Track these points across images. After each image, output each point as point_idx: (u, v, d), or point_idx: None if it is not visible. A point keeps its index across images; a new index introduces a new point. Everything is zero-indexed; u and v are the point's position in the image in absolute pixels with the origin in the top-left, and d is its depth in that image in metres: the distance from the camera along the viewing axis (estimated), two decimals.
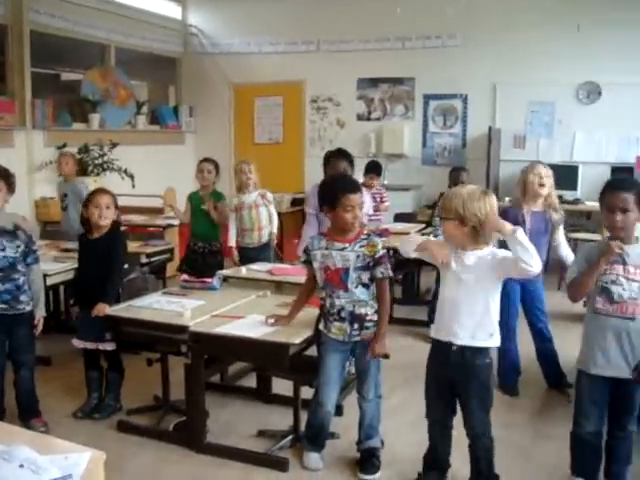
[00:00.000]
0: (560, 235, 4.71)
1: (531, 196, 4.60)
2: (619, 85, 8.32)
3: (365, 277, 3.45)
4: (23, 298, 4.01)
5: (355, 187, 3.55)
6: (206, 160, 6.04)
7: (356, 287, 3.44)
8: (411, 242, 3.35)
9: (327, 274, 3.50)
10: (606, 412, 3.26)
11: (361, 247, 3.45)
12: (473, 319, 3.12)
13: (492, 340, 3.17)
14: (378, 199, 7.02)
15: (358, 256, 3.43)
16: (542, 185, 4.56)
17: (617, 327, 3.13)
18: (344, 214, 3.45)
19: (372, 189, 6.93)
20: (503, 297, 4.54)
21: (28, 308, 4.05)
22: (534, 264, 2.95)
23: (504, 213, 4.62)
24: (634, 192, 3.10)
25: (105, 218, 4.25)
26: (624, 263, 3.12)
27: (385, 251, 3.50)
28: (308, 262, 3.61)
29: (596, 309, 3.17)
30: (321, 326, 3.59)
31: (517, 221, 4.45)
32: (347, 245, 3.47)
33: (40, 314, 4.13)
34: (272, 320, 3.64)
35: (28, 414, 4.10)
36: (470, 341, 3.13)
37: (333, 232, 3.54)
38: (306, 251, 3.62)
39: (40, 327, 4.11)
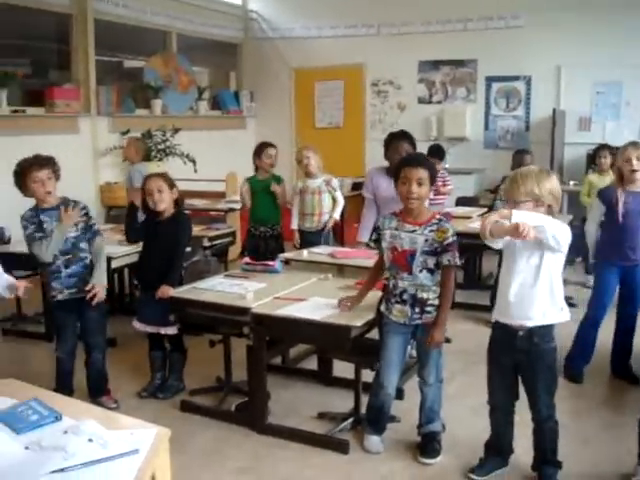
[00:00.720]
0: None
1: (627, 179, 4.36)
2: None
3: (431, 262, 3.41)
4: (55, 285, 4.08)
5: (414, 161, 3.51)
6: (271, 145, 6.01)
7: (420, 271, 3.41)
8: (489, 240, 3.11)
9: (394, 255, 3.47)
10: None
11: (431, 231, 3.40)
12: (545, 297, 3.07)
13: (563, 313, 3.12)
14: (440, 183, 6.95)
15: (427, 240, 3.39)
16: (634, 171, 4.29)
17: None
18: (401, 187, 3.44)
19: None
20: (599, 284, 4.54)
21: (61, 296, 4.09)
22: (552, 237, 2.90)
23: (601, 193, 4.54)
24: None
25: (160, 202, 4.24)
26: None
27: (455, 238, 3.42)
28: (377, 241, 3.59)
29: None
30: (382, 307, 3.58)
31: (610, 198, 4.39)
32: (417, 228, 3.43)
33: (97, 282, 4.07)
34: (340, 304, 3.61)
35: (98, 392, 4.22)
36: (542, 319, 3.08)
37: (405, 213, 3.50)
38: (377, 230, 3.60)
39: (100, 295, 4.06)
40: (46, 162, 4.00)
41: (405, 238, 3.43)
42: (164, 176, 4.39)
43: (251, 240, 6.00)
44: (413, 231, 3.43)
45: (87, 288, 4.04)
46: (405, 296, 3.46)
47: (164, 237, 4.28)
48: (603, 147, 7.05)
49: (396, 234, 3.47)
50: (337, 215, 5.93)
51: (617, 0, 8.16)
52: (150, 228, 4.36)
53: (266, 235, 5.92)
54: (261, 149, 5.97)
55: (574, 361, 4.65)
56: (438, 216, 3.49)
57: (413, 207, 3.44)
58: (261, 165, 5.95)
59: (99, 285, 4.08)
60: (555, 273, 3.08)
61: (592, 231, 4.59)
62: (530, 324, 3.10)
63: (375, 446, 3.68)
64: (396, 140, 5.15)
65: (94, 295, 4.03)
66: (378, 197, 5.11)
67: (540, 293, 3.06)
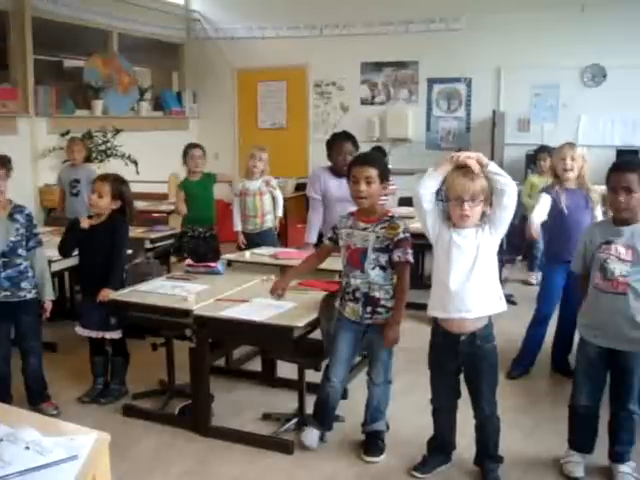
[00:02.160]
0: (597, 213, 4.55)
1: (561, 178, 4.54)
2: (624, 67, 8.27)
3: (383, 259, 3.45)
4: (25, 285, 4.01)
5: (362, 160, 3.57)
6: (196, 146, 6.05)
7: (372, 269, 3.44)
8: (431, 176, 3.18)
9: (348, 253, 3.52)
10: (602, 388, 3.33)
11: (382, 228, 3.45)
12: (484, 288, 3.13)
13: (502, 303, 3.19)
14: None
15: (378, 237, 3.44)
16: (567, 170, 4.49)
17: (611, 302, 3.19)
18: (351, 186, 3.50)
19: None
20: (547, 283, 4.68)
21: (30, 295, 4.04)
22: (510, 182, 3.05)
23: (542, 190, 4.68)
24: (638, 172, 3.10)
25: (95, 206, 4.24)
26: (618, 244, 3.17)
27: (406, 235, 3.45)
28: (333, 240, 3.63)
29: (595, 284, 3.25)
30: (337, 304, 3.62)
31: (553, 196, 4.51)
32: (369, 225, 3.48)
33: (48, 298, 4.12)
34: (279, 293, 3.66)
35: (38, 399, 4.14)
36: (482, 310, 3.14)
37: (359, 212, 3.55)
38: (334, 229, 3.64)
39: (48, 311, 4.12)
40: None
41: (358, 236, 3.48)
42: (114, 185, 4.27)
43: (188, 241, 5.96)
44: (365, 229, 3.48)
45: (45, 307, 4.09)
46: (357, 294, 3.49)
47: (102, 240, 4.22)
48: (543, 149, 7.21)
49: (350, 232, 3.52)
50: (280, 213, 5.95)
51: (553, 2, 8.34)
52: (87, 231, 4.28)
53: (203, 235, 5.90)
54: (186, 151, 5.98)
55: (522, 360, 4.77)
56: (391, 213, 3.55)
57: (364, 206, 3.49)
58: (188, 167, 5.96)
59: (49, 300, 4.11)
60: (491, 262, 3.14)
61: (537, 222, 4.61)
62: (469, 316, 3.13)
63: (309, 439, 3.67)
64: (339, 140, 5.17)
65: (45, 310, 4.09)
66: (328, 197, 5.10)
67: (478, 282, 3.11)
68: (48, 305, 4.11)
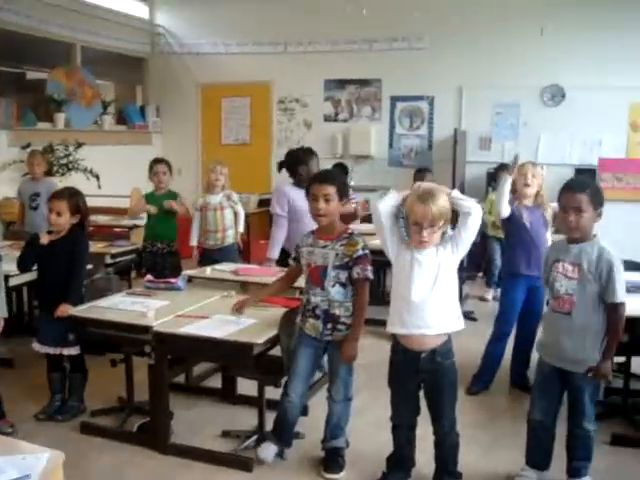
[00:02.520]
0: (548, 232, 4.73)
1: (520, 195, 4.65)
2: (582, 88, 8.44)
3: (343, 277, 3.46)
4: None
5: (322, 178, 3.58)
6: (160, 161, 6.03)
7: (332, 286, 3.46)
8: (391, 196, 3.25)
9: (309, 270, 3.54)
10: (557, 405, 3.38)
11: (341, 246, 3.47)
12: (443, 305, 3.16)
13: (460, 321, 3.21)
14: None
15: (337, 254, 3.46)
16: (527, 185, 4.61)
17: (557, 321, 3.27)
18: (310, 203, 3.52)
19: None
20: (506, 300, 4.76)
21: None
22: (474, 205, 3.11)
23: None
24: (588, 192, 3.17)
25: (56, 225, 4.20)
26: (565, 261, 3.24)
27: (365, 252, 3.47)
28: (297, 260, 3.65)
29: (547, 302, 3.38)
30: (298, 320, 3.63)
31: (514, 211, 4.60)
32: (329, 243, 3.50)
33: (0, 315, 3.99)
34: (237, 308, 3.70)
35: None
36: (441, 327, 3.17)
37: (319, 230, 3.57)
38: (296, 248, 3.66)
39: (0, 329, 3.96)
40: None
41: (318, 254, 3.50)
42: (70, 200, 4.25)
43: (147, 256, 5.94)
44: (325, 246, 3.49)
45: None
46: (318, 311, 3.51)
47: (61, 255, 4.19)
48: (502, 167, 7.31)
49: (311, 250, 3.54)
50: (242, 229, 5.94)
51: (514, 24, 8.51)
52: (47, 246, 4.25)
53: (163, 252, 5.89)
54: (151, 166, 5.97)
55: (481, 376, 4.83)
56: (350, 231, 3.56)
57: (322, 223, 3.51)
58: (152, 181, 5.95)
59: (1, 317, 3.95)
60: (451, 280, 3.18)
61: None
62: (429, 332, 3.16)
63: (265, 453, 3.65)
64: (310, 155, 5.27)
65: None
66: (296, 210, 5.11)
67: (439, 299, 3.15)
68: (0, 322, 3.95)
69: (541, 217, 4.65)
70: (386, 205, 3.23)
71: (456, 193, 3.14)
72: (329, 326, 3.50)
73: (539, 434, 3.41)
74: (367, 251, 3.49)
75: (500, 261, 6.84)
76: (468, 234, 3.14)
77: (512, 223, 4.63)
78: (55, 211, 4.19)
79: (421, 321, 3.17)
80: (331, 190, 3.48)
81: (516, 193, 4.65)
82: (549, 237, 4.72)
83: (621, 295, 3.16)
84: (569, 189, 3.24)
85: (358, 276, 3.44)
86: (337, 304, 3.48)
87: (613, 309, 3.19)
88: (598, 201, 3.20)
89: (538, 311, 4.66)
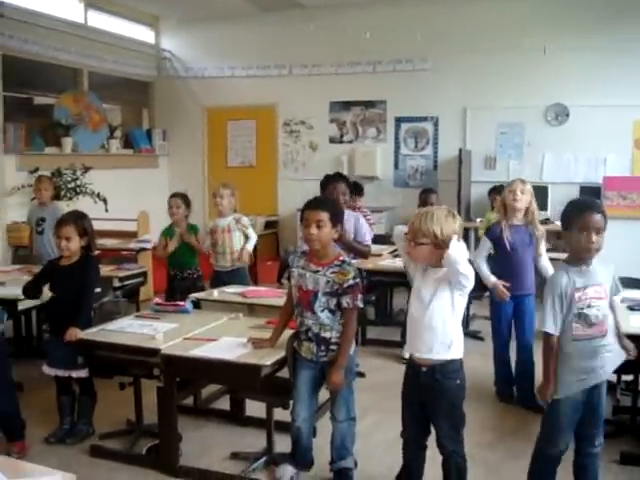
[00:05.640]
0: (542, 248, 4.85)
1: (509, 211, 4.79)
2: (586, 107, 8.46)
3: (332, 303, 3.48)
4: None
5: (313, 204, 3.57)
6: (174, 196, 6.06)
7: (322, 311, 3.48)
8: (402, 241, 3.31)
9: (300, 294, 3.55)
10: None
11: (332, 273, 3.47)
12: (432, 333, 3.16)
13: (451, 352, 3.18)
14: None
15: (328, 282, 3.47)
16: (515, 200, 4.73)
17: (597, 346, 3.17)
18: (303, 229, 3.53)
19: (357, 210, 7.06)
20: (495, 316, 4.91)
21: None
22: (465, 279, 3.05)
23: (488, 230, 4.96)
24: (603, 213, 3.16)
25: (66, 250, 4.24)
26: (593, 285, 3.16)
27: (356, 281, 3.48)
28: (289, 278, 3.68)
29: (575, 337, 3.16)
30: (295, 344, 3.63)
31: (497, 234, 4.77)
32: (320, 269, 3.50)
33: None
34: (253, 343, 3.66)
35: (10, 436, 4.10)
36: (429, 354, 3.17)
37: (311, 254, 3.57)
38: (288, 268, 3.69)
39: None
40: None
41: (310, 278, 3.51)
42: (76, 223, 4.30)
43: (173, 283, 5.99)
44: (317, 272, 3.50)
45: None
46: (310, 334, 3.53)
47: (72, 280, 4.23)
48: (495, 189, 7.46)
49: (302, 273, 3.54)
50: (250, 247, 5.90)
51: (517, 44, 8.54)
52: (59, 271, 4.30)
53: (188, 277, 5.95)
54: (168, 200, 6.04)
55: (500, 388, 5.00)
56: (342, 258, 3.57)
57: (314, 247, 3.51)
58: (169, 215, 6.00)
59: None
60: (447, 311, 3.15)
61: (480, 264, 4.82)
62: (418, 355, 3.20)
63: (281, 473, 3.70)
64: (332, 181, 5.29)
65: None
66: None
67: (427, 326, 3.15)
68: None
69: (527, 236, 4.77)
70: (401, 232, 3.31)
71: (453, 254, 3.00)
72: (322, 347, 3.52)
73: (553, 468, 3.35)
74: (358, 280, 3.50)
75: None
76: (462, 288, 3.13)
77: (495, 244, 4.84)
78: (64, 237, 4.22)
79: (413, 342, 3.24)
80: (324, 216, 3.48)
81: (505, 210, 4.81)
82: (543, 255, 4.83)
83: None
84: (590, 210, 3.14)
85: (347, 306, 3.46)
86: (328, 327, 3.50)
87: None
88: (606, 220, 3.19)
89: (526, 327, 4.84)
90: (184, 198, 6.02)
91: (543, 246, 4.87)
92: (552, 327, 3.16)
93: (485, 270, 4.82)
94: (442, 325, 3.15)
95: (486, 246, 4.89)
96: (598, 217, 3.12)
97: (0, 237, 7.77)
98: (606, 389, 3.29)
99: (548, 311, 3.17)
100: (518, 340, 4.90)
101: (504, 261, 4.80)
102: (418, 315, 3.18)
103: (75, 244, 4.25)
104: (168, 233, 5.99)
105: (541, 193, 8.36)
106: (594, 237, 3.10)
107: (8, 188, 7.85)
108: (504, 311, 4.88)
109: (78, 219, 4.36)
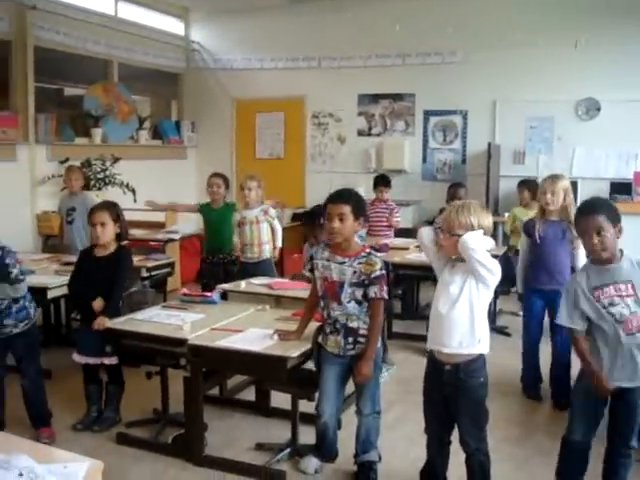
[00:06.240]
0: (577, 243, 4.58)
1: (544, 209, 4.73)
2: (618, 101, 8.35)
3: (359, 294, 3.47)
4: (8, 322, 3.97)
5: (335, 197, 3.55)
6: (215, 175, 6.19)
7: (349, 302, 3.48)
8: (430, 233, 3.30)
9: (325, 285, 3.55)
10: (595, 427, 3.28)
11: (359, 264, 3.47)
12: (461, 328, 3.14)
13: (479, 346, 3.16)
14: (388, 213, 7.10)
15: (355, 272, 3.46)
16: (548, 204, 4.66)
17: (628, 344, 3.13)
18: (325, 222, 3.52)
19: (382, 203, 7.08)
20: (526, 311, 4.86)
21: (17, 329, 4.01)
22: (489, 275, 3.04)
23: (524, 226, 4.93)
24: (604, 212, 3.13)
25: (102, 236, 4.28)
26: (614, 283, 3.14)
27: (383, 272, 3.49)
28: (312, 270, 3.66)
29: (604, 334, 3.16)
30: (320, 339, 3.63)
31: (529, 229, 4.76)
32: (347, 260, 3.50)
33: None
34: (279, 335, 3.66)
35: (37, 423, 4.17)
36: (457, 348, 3.15)
37: (336, 246, 3.56)
38: (311, 259, 3.67)
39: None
40: None
41: (335, 269, 3.50)
42: (109, 209, 4.38)
43: (208, 268, 6.10)
44: (342, 263, 3.50)
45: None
46: (337, 325, 3.52)
47: (106, 271, 4.27)
48: (521, 183, 7.33)
49: (327, 265, 3.54)
50: (279, 243, 5.98)
51: (548, 37, 8.46)
52: (92, 260, 4.35)
53: (223, 261, 6.03)
54: (208, 179, 6.16)
55: (527, 384, 4.93)
56: (368, 250, 3.57)
57: (336, 241, 3.50)
58: (208, 194, 6.12)
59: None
60: (477, 305, 3.13)
61: (521, 265, 4.82)
62: (444, 351, 3.17)
63: (304, 464, 3.75)
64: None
65: None
66: None
67: (456, 322, 3.13)
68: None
69: (560, 231, 4.67)
70: (427, 229, 3.31)
71: (479, 253, 3.01)
72: (350, 340, 3.51)
73: (571, 456, 3.36)
74: (384, 272, 3.51)
75: None
76: (484, 281, 3.11)
77: (528, 239, 4.80)
78: (98, 223, 4.27)
79: (438, 338, 3.20)
80: (346, 209, 3.47)
81: (542, 210, 4.74)
82: (580, 252, 4.68)
83: None
84: (584, 213, 3.19)
85: (375, 296, 3.45)
86: (354, 317, 3.49)
87: None
88: (616, 218, 3.15)
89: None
90: (224, 179, 6.17)
91: (579, 241, 4.71)
92: (565, 320, 3.23)
93: (520, 271, 4.85)
94: (471, 320, 3.13)
95: (527, 243, 4.83)
96: (595, 218, 3.11)
97: (31, 226, 7.86)
98: None
99: (561, 305, 3.26)
100: (554, 339, 4.74)
101: (533, 255, 4.77)
102: (445, 310, 3.15)
103: (110, 230, 4.30)
104: (206, 211, 6.18)
105: (571, 188, 8.28)
106: (595, 239, 3.11)
107: (39, 178, 7.94)
108: (535, 307, 4.80)
109: (111, 206, 4.45)
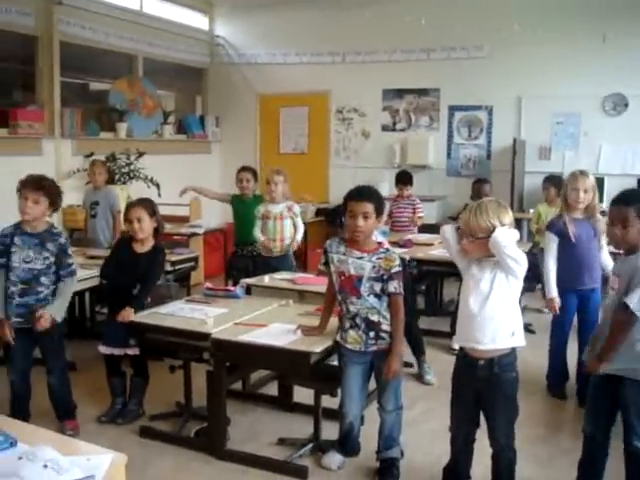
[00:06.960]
0: (603, 241, 4.62)
1: (571, 205, 4.62)
2: None
3: (377, 288, 3.46)
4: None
5: (359, 195, 3.51)
6: (244, 169, 6.27)
7: (368, 295, 3.47)
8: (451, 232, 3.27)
9: (341, 280, 3.53)
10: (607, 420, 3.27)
11: (378, 259, 3.46)
12: (494, 322, 3.11)
13: (514, 339, 3.14)
14: (411, 210, 7.08)
15: (374, 267, 3.45)
16: (579, 202, 4.57)
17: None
18: (347, 220, 3.50)
19: (405, 199, 7.05)
20: (561, 310, 4.68)
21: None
22: (513, 259, 3.00)
23: (550, 226, 4.76)
24: (634, 206, 3.12)
25: (140, 232, 4.32)
26: (617, 274, 3.23)
27: (400, 268, 3.48)
28: (326, 264, 3.64)
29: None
30: (338, 337, 3.62)
31: (560, 228, 4.60)
32: (365, 255, 3.49)
33: (50, 312, 3.90)
34: (302, 330, 3.66)
35: (62, 416, 4.19)
36: (491, 344, 3.12)
37: (353, 241, 3.54)
38: (325, 252, 3.64)
39: (43, 323, 3.87)
40: (32, 183, 3.99)
41: (352, 264, 3.49)
42: (145, 204, 4.41)
43: (238, 260, 6.17)
44: (360, 258, 3.49)
45: (37, 314, 3.88)
46: (357, 320, 3.50)
47: (140, 268, 4.30)
48: (547, 179, 7.22)
49: (344, 259, 3.52)
50: (299, 238, 5.98)
51: (575, 31, 8.38)
52: (131, 257, 4.38)
53: (253, 254, 6.07)
54: (237, 173, 6.24)
55: (552, 382, 4.89)
56: (386, 246, 3.60)
57: (359, 239, 3.49)
58: (238, 189, 6.20)
59: (49, 315, 3.90)
60: (508, 298, 3.12)
61: (549, 266, 4.67)
62: (478, 347, 3.14)
63: (327, 460, 3.75)
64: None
65: (40, 319, 3.88)
66: None
67: (488, 317, 3.11)
68: (45, 316, 3.87)
69: (591, 228, 4.60)
70: (449, 227, 3.29)
71: (500, 235, 3.00)
72: (372, 335, 3.50)
73: (589, 448, 3.35)
74: (401, 268, 3.50)
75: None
76: (512, 273, 3.09)
77: (560, 239, 4.63)
78: (135, 219, 4.31)
79: (471, 335, 3.16)
80: (370, 207, 3.45)
81: (567, 205, 4.64)
82: (604, 246, 4.65)
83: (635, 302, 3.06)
84: (613, 201, 3.23)
85: (395, 290, 3.45)
86: (375, 311, 3.48)
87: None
88: (629, 209, 3.13)
89: (591, 320, 4.59)
90: (253, 172, 6.26)
91: (604, 239, 4.68)
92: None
93: (552, 278, 4.64)
94: (504, 313, 3.12)
95: (554, 244, 4.66)
96: (624, 210, 3.14)
97: (56, 220, 7.90)
98: None
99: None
100: (582, 337, 4.65)
101: (569, 255, 4.60)
102: (477, 307, 3.12)
103: (147, 225, 4.33)
104: (237, 202, 6.30)
105: (597, 185, 8.15)
106: (618, 230, 3.16)
107: (64, 172, 7.99)
108: (571, 306, 4.69)
109: (146, 201, 4.49)
